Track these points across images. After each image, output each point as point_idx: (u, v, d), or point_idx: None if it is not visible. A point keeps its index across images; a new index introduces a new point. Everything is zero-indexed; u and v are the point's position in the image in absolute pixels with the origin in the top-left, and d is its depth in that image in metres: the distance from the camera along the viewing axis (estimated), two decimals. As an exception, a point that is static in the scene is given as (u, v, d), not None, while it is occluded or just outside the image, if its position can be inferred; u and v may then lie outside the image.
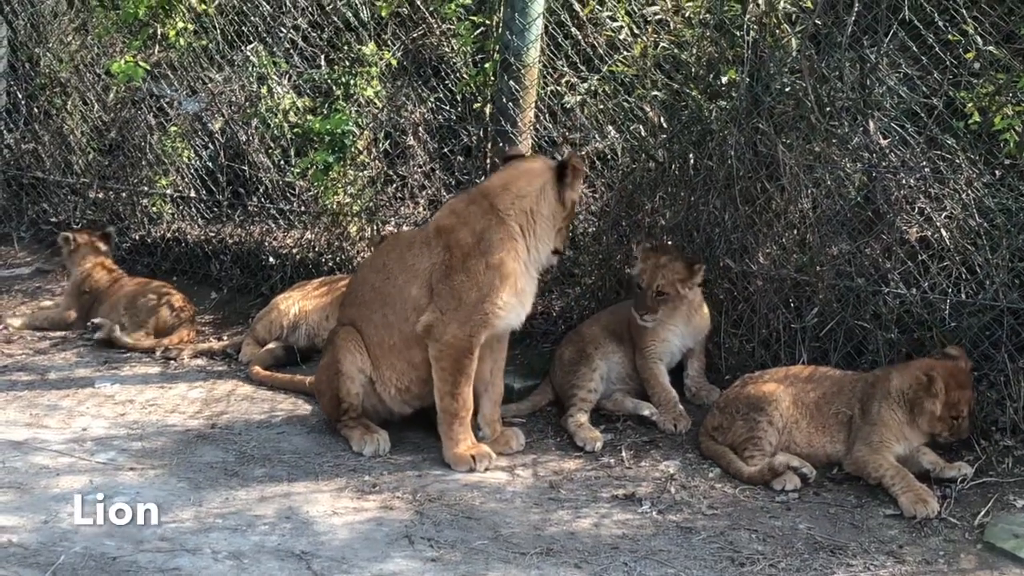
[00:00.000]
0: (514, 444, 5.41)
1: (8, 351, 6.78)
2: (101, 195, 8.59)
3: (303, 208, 7.60)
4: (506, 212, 5.20)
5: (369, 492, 4.93)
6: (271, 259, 7.52)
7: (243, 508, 4.73)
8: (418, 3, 7.24)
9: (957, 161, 5.38)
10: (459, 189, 7.01)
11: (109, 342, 6.81)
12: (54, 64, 8.77)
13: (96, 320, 6.93)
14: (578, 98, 6.55)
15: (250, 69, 7.70)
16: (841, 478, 5.05)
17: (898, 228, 5.47)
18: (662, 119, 6.18)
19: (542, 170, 5.28)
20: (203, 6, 7.71)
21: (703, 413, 5.58)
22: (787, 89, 5.77)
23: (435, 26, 7.24)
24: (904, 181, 5.48)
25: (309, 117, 7.27)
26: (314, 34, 7.70)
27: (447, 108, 7.26)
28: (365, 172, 7.24)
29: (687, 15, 6.17)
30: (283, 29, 7.76)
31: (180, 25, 7.68)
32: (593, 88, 6.50)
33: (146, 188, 8.26)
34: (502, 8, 6.51)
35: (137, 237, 8.22)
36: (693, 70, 6.13)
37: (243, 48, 7.77)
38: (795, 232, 5.78)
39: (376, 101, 7.30)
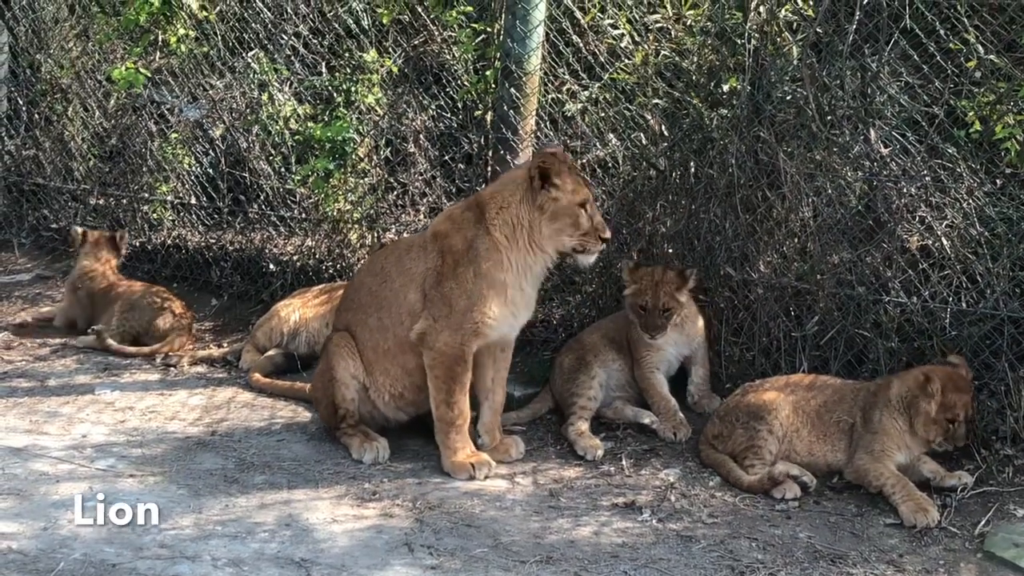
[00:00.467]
0: (513, 452, 5.41)
1: (8, 357, 6.78)
2: (102, 201, 8.60)
3: (304, 215, 7.60)
4: (491, 222, 5.18)
5: (369, 500, 4.92)
6: (271, 266, 7.52)
7: (243, 515, 4.72)
8: (419, 10, 7.25)
9: (958, 170, 5.38)
10: (460, 197, 7.02)
11: (103, 349, 6.81)
12: (55, 70, 8.78)
13: (97, 327, 6.94)
14: (579, 106, 6.55)
15: (251, 76, 7.71)
16: (841, 487, 5.05)
17: (899, 237, 5.47)
18: (663, 127, 6.18)
19: (523, 178, 5.21)
20: (204, 13, 7.71)
21: (703, 422, 5.58)
22: (788, 97, 5.77)
23: (436, 33, 7.24)
24: (905, 190, 5.48)
25: (310, 124, 7.27)
26: (315, 41, 7.71)
27: (448, 115, 7.26)
28: (366, 179, 7.24)
29: (688, 23, 6.17)
30: (284, 36, 7.76)
31: (181, 32, 7.68)
32: (594, 96, 6.50)
33: (147, 195, 8.27)
34: (503, 15, 6.51)
35: (137, 243, 8.21)
36: (694, 78, 6.13)
37: (244, 55, 7.77)
38: (796, 240, 5.78)
39: (377, 108, 7.30)
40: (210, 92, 7.98)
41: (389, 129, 7.35)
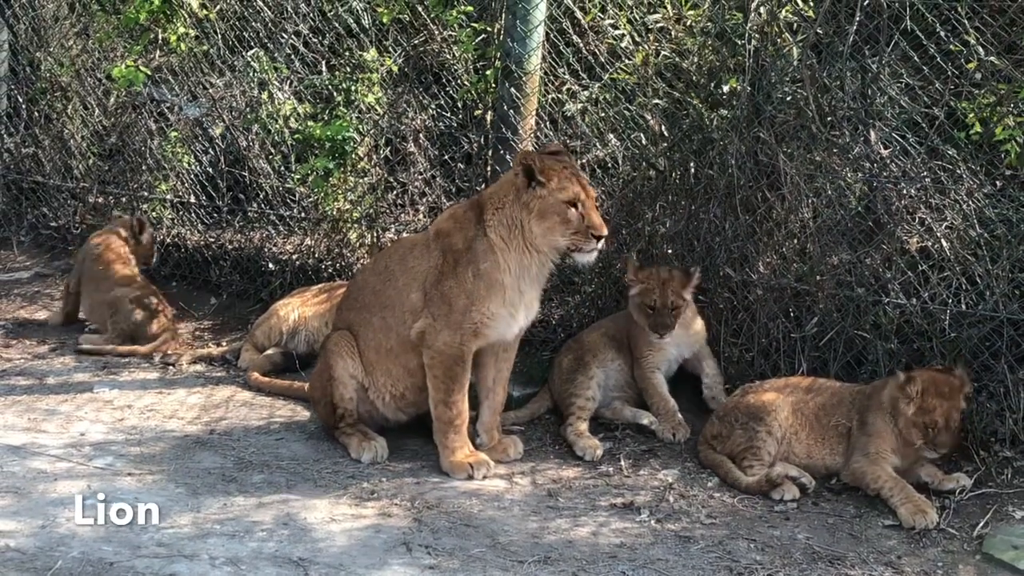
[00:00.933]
0: (512, 452, 5.41)
1: (7, 355, 6.78)
2: (101, 200, 8.59)
3: (303, 214, 7.60)
4: (488, 223, 5.16)
5: (367, 499, 4.92)
6: (271, 265, 7.51)
7: (241, 514, 4.72)
8: (419, 10, 7.24)
9: (958, 172, 5.37)
10: (459, 197, 7.01)
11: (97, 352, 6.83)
12: (55, 68, 8.77)
13: (90, 334, 6.97)
14: (579, 106, 6.55)
15: (251, 74, 7.70)
16: (840, 488, 5.05)
17: (898, 238, 5.47)
18: (663, 127, 6.18)
19: (514, 178, 5.18)
20: (204, 11, 7.70)
21: (701, 422, 5.57)
22: (788, 98, 5.77)
23: (436, 33, 7.24)
24: (905, 191, 5.48)
25: (310, 123, 7.26)
26: (315, 40, 7.70)
27: (448, 115, 7.26)
28: (365, 179, 7.23)
29: (689, 24, 6.17)
30: (284, 35, 7.76)
31: (181, 30, 7.67)
32: (594, 96, 6.50)
33: (146, 193, 8.26)
34: (503, 15, 6.51)
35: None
36: (694, 79, 6.13)
37: (244, 53, 7.77)
38: (795, 241, 5.78)
39: (377, 107, 7.30)
40: (210, 91, 7.97)
41: (389, 128, 7.35)
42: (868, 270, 5.55)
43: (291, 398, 6.10)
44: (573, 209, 5.03)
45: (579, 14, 6.50)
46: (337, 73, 7.50)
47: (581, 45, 6.51)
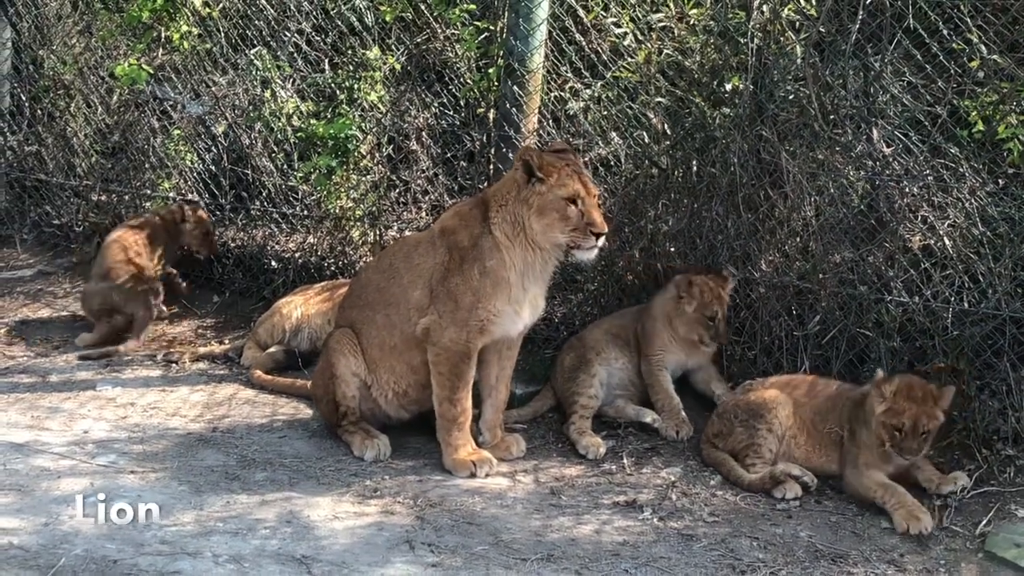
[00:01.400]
0: (515, 450, 5.41)
1: (10, 353, 6.78)
2: (104, 198, 8.59)
3: (306, 212, 7.60)
4: (492, 221, 5.16)
5: (370, 497, 4.92)
6: (273, 263, 7.51)
7: (244, 512, 4.73)
8: (422, 8, 7.24)
9: (961, 170, 5.37)
10: (462, 195, 7.01)
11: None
12: (58, 66, 8.77)
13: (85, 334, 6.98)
14: (582, 104, 6.54)
15: (254, 73, 7.69)
16: (842, 487, 5.04)
17: (901, 236, 5.47)
18: (666, 126, 6.18)
19: (515, 176, 5.18)
20: (207, 9, 7.70)
21: (704, 421, 5.58)
22: (791, 97, 5.76)
23: (439, 31, 7.24)
24: (907, 189, 5.48)
25: (312, 121, 7.26)
26: (318, 38, 7.70)
27: (450, 113, 7.26)
28: (368, 177, 7.23)
29: (691, 22, 6.16)
30: (287, 33, 7.76)
31: (184, 28, 7.67)
32: (597, 94, 6.50)
33: (149, 191, 8.26)
34: (506, 13, 6.50)
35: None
36: (697, 77, 6.12)
37: (247, 52, 7.77)
38: (798, 239, 5.78)
39: (380, 106, 7.30)
40: (213, 89, 7.97)
41: (391, 126, 7.35)
42: (870, 268, 5.55)
43: (294, 396, 6.10)
44: (573, 206, 5.02)
45: (582, 12, 6.50)
46: (340, 71, 7.50)
47: (584, 43, 6.51)
